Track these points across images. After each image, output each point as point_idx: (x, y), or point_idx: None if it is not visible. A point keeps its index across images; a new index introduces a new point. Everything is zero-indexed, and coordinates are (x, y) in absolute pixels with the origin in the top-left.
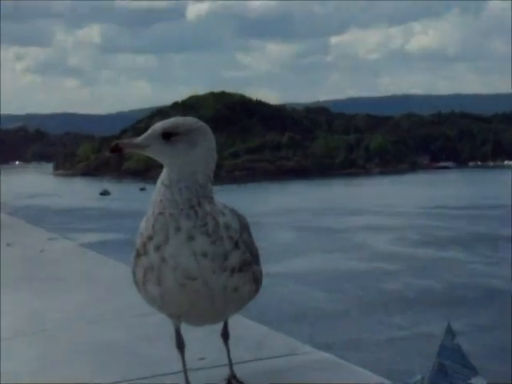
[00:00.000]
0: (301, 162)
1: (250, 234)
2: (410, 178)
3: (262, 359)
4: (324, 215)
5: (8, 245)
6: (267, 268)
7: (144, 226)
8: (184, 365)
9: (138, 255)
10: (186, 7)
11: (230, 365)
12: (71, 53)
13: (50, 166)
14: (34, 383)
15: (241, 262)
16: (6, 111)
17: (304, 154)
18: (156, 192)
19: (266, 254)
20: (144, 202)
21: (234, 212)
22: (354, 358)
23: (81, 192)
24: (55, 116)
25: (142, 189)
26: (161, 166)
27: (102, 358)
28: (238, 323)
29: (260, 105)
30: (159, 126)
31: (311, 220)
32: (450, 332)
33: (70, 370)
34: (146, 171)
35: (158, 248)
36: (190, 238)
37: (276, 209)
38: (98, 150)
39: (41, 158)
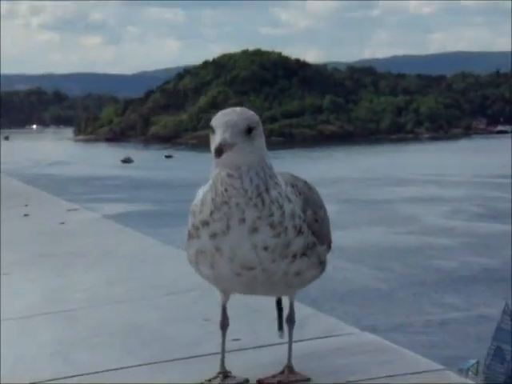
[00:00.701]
0: (343, 126)
1: (315, 208)
2: (464, 144)
3: (303, 340)
4: (369, 185)
5: (25, 216)
6: None
7: (199, 208)
8: (223, 345)
9: (189, 236)
10: None
11: (290, 354)
12: (93, 7)
13: (69, 131)
14: (53, 367)
15: (304, 247)
16: (19, 71)
17: (347, 118)
18: (216, 180)
19: None
20: (169, 170)
21: (295, 187)
22: (402, 341)
23: (103, 159)
24: (75, 76)
25: (168, 156)
26: (193, 130)
27: (127, 340)
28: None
29: (299, 64)
30: (240, 120)
31: (355, 191)
32: (507, 313)
33: (93, 353)
34: (174, 137)
35: (213, 236)
36: (254, 230)
37: (316, 178)
38: (122, 112)
39: (60, 121)
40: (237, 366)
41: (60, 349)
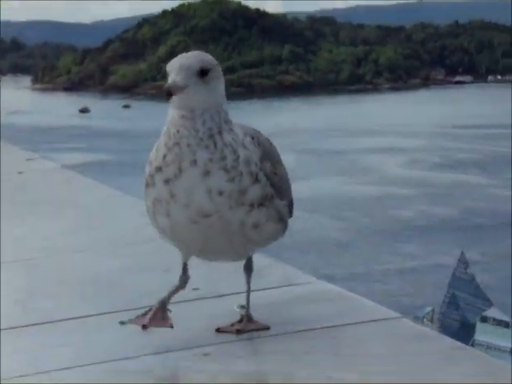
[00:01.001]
0: (303, 77)
1: (274, 162)
2: (423, 94)
3: (261, 289)
4: (328, 136)
5: None
6: None
7: (154, 155)
8: (170, 296)
9: (146, 185)
10: None
11: (248, 302)
12: None
13: (27, 80)
14: (13, 315)
15: (261, 197)
16: None
17: (306, 69)
18: (169, 123)
19: None
20: (127, 120)
21: (255, 138)
22: (360, 290)
23: (61, 109)
24: (33, 24)
25: (126, 106)
26: (152, 80)
27: (87, 290)
28: None
29: (259, 14)
30: (193, 63)
31: (314, 141)
32: (463, 261)
33: (55, 301)
34: (133, 87)
35: (167, 182)
36: (206, 173)
37: (276, 129)
38: (80, 62)
39: (17, 70)
40: (196, 315)
41: (20, 297)
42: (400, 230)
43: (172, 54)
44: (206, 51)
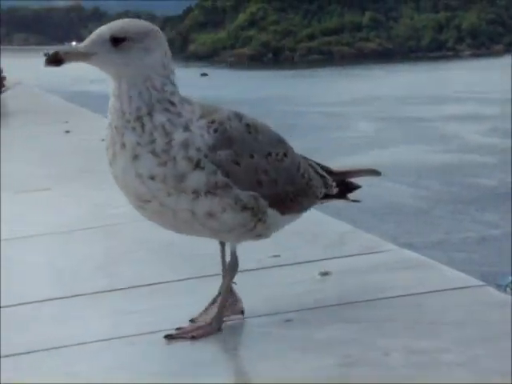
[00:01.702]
0: (383, 44)
1: (243, 151)
2: (506, 61)
3: (341, 257)
4: (408, 103)
5: (66, 132)
6: (347, 160)
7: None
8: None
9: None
10: None
11: (220, 306)
12: None
13: None
14: (95, 281)
15: (208, 184)
16: None
17: (387, 36)
18: (109, 102)
19: (346, 145)
20: (204, 88)
21: (216, 123)
22: (441, 258)
23: None
24: None
25: (203, 74)
26: (231, 48)
27: (167, 256)
28: (318, 219)
29: None
30: (105, 30)
31: (394, 108)
32: None
33: (134, 268)
34: (213, 55)
35: (110, 164)
36: (135, 157)
37: (355, 96)
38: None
39: None
40: (276, 281)
41: (102, 263)
42: (480, 197)
43: (251, 22)
44: (286, 19)
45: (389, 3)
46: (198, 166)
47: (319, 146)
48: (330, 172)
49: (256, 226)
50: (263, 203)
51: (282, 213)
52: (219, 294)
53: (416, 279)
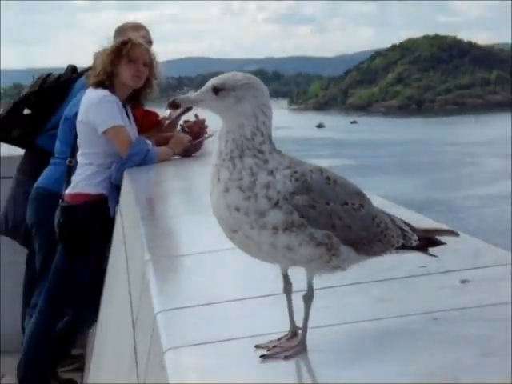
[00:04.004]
0: (508, 96)
1: (320, 198)
2: None
3: (479, 268)
4: None
5: None
6: (476, 191)
7: None
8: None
9: None
10: None
11: (304, 329)
12: (305, 3)
13: (285, 102)
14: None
15: (285, 222)
16: (248, 56)
17: (511, 89)
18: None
19: (475, 177)
20: (352, 133)
21: (298, 174)
22: None
23: (310, 124)
24: (290, 59)
25: (353, 122)
26: (382, 100)
27: None
28: (458, 238)
29: (470, 46)
30: (210, 81)
31: None
32: None
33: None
34: (368, 106)
35: (210, 195)
36: (226, 189)
37: (484, 138)
38: (326, 87)
39: (277, 95)
40: (424, 287)
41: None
42: None
43: (398, 80)
44: (427, 77)
45: None
46: (276, 205)
47: (456, 178)
48: (412, 228)
49: (331, 259)
50: (336, 240)
51: (358, 252)
52: (292, 333)
53: None
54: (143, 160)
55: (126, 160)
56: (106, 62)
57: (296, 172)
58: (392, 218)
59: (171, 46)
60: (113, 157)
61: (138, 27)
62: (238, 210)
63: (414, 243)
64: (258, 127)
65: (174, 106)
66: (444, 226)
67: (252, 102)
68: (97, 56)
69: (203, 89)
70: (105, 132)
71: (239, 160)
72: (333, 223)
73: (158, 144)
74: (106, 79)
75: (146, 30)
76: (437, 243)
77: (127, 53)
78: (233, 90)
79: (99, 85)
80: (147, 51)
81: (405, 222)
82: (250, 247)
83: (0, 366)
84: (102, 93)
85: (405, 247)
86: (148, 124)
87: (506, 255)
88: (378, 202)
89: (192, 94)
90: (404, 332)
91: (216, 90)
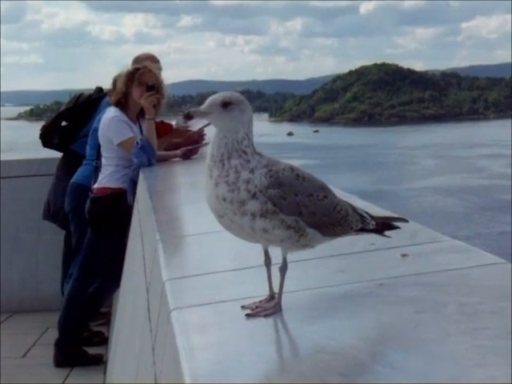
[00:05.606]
0: (438, 111)
1: (288, 191)
2: None
3: (415, 245)
4: (455, 147)
5: None
6: (415, 184)
7: None
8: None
9: None
10: (360, 5)
11: (279, 294)
12: (282, 38)
13: (266, 115)
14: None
15: (261, 210)
16: (236, 79)
17: (440, 106)
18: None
19: (414, 173)
20: (314, 139)
21: (273, 171)
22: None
23: (283, 133)
24: (270, 82)
25: (315, 131)
26: (341, 114)
27: None
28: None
29: (409, 72)
30: (217, 97)
31: (446, 151)
32: None
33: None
34: (330, 118)
35: (204, 189)
36: (216, 184)
37: (421, 143)
38: (298, 103)
39: (260, 109)
40: (370, 261)
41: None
42: (501, 206)
43: (354, 98)
44: (376, 96)
45: (441, 85)
46: (254, 196)
47: (399, 174)
48: (371, 216)
49: (300, 239)
50: (302, 224)
51: (323, 234)
52: (270, 296)
53: (463, 260)
54: (147, 155)
55: (137, 164)
56: (122, 84)
57: (271, 170)
58: (353, 207)
59: (176, 71)
60: (127, 159)
61: (154, 59)
62: (224, 199)
63: (372, 227)
64: (247, 134)
65: (188, 116)
66: (395, 215)
67: (248, 114)
68: (116, 79)
69: (211, 103)
70: (119, 144)
71: (227, 161)
72: (300, 210)
73: (168, 147)
74: (122, 97)
75: (159, 61)
76: (392, 227)
77: (138, 77)
78: (237, 104)
79: (118, 102)
80: (156, 77)
81: (366, 212)
82: (234, 229)
83: (46, 321)
84: (114, 113)
85: (364, 230)
86: (163, 131)
87: (436, 235)
88: (338, 193)
89: (202, 107)
90: (356, 295)
91: (225, 105)
